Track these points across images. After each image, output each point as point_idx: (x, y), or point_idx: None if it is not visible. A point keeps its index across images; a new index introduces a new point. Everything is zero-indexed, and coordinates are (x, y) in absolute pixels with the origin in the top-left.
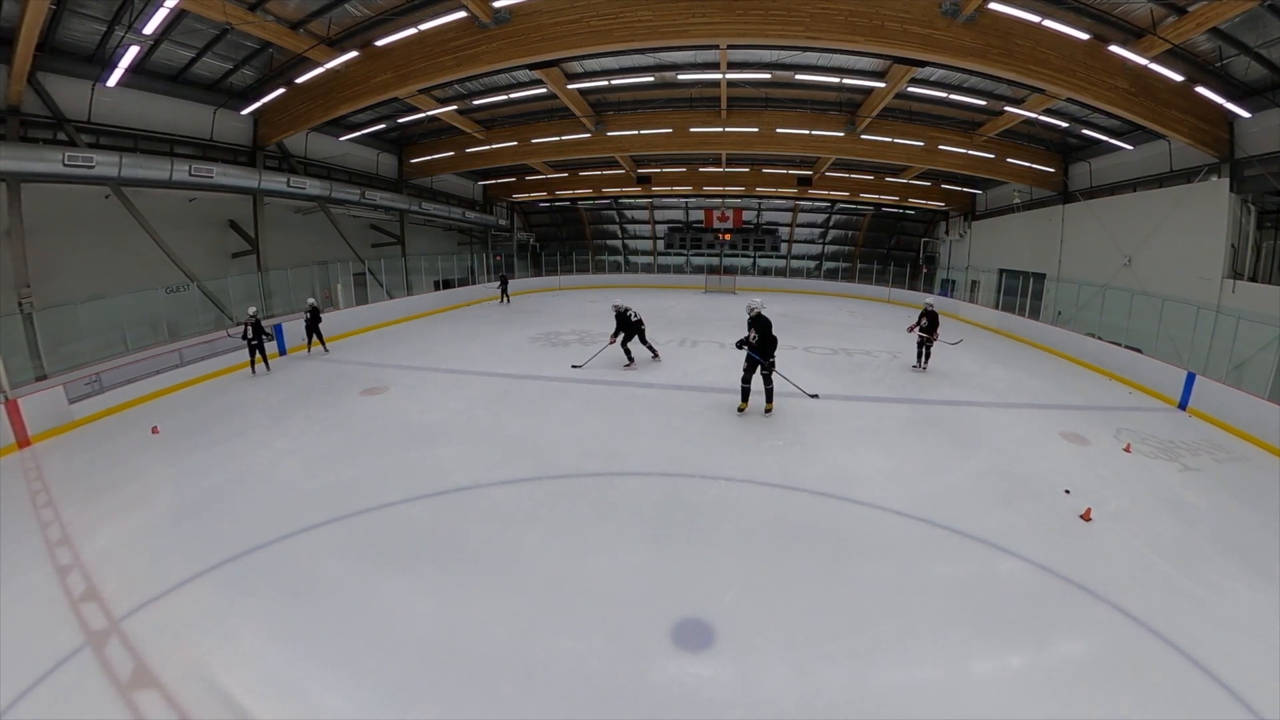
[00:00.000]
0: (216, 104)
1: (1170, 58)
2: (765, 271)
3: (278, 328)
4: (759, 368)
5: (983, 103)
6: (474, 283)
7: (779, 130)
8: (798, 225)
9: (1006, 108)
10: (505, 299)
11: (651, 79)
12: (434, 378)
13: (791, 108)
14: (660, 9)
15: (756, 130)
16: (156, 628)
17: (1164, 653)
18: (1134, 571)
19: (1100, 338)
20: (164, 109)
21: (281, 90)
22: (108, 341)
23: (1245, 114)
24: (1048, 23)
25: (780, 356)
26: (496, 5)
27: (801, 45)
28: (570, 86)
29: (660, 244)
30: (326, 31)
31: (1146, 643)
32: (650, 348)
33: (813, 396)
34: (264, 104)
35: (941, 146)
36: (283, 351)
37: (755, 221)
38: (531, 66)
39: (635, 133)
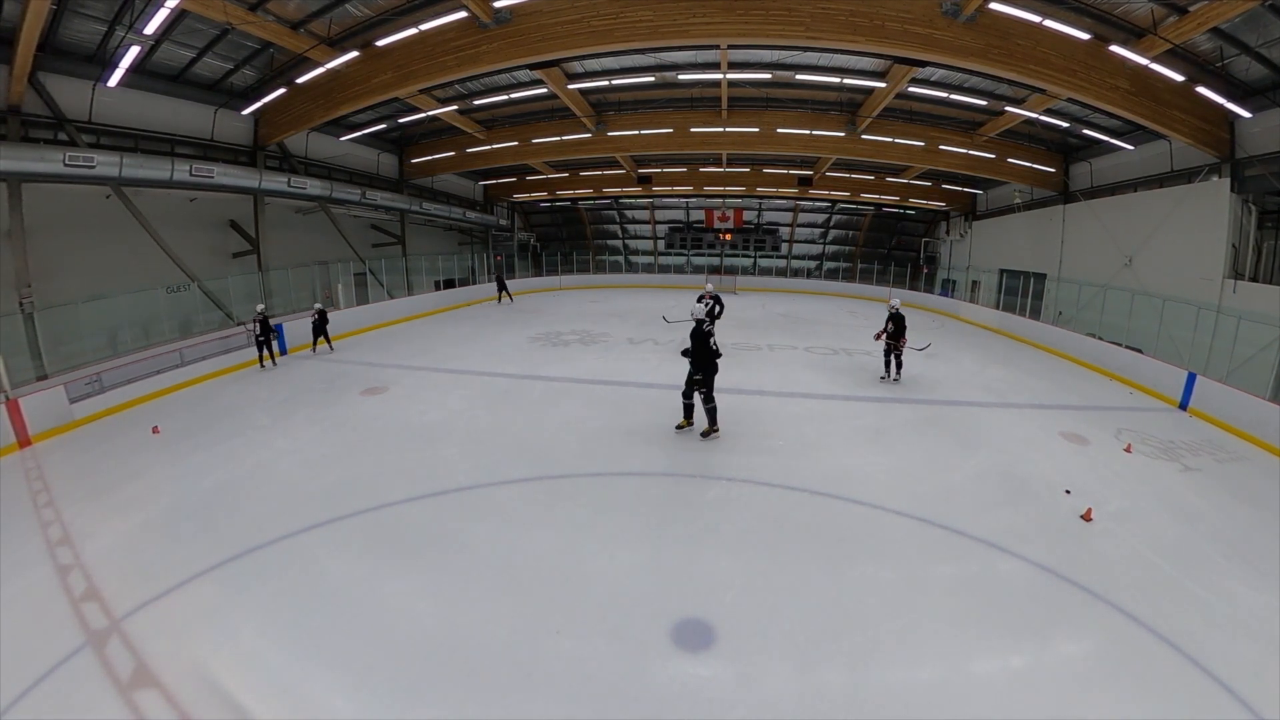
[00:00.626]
0: (217, 104)
1: (1171, 58)
2: (766, 271)
3: (278, 327)
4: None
5: (983, 103)
6: (474, 283)
7: (779, 130)
8: (798, 225)
9: (1007, 108)
10: (506, 297)
11: (652, 79)
12: (434, 378)
13: (792, 108)
14: (661, 9)
15: (757, 130)
16: (157, 627)
17: (1164, 653)
18: (1134, 572)
19: (1101, 338)
20: (165, 109)
21: (282, 90)
22: (115, 340)
23: (1246, 114)
24: (1048, 23)
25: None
26: (497, 5)
27: (802, 45)
28: (571, 86)
29: (661, 244)
30: (327, 31)
31: (1147, 643)
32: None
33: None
34: (265, 104)
35: (942, 146)
36: (283, 351)
37: (756, 221)
38: (532, 66)
39: (636, 133)
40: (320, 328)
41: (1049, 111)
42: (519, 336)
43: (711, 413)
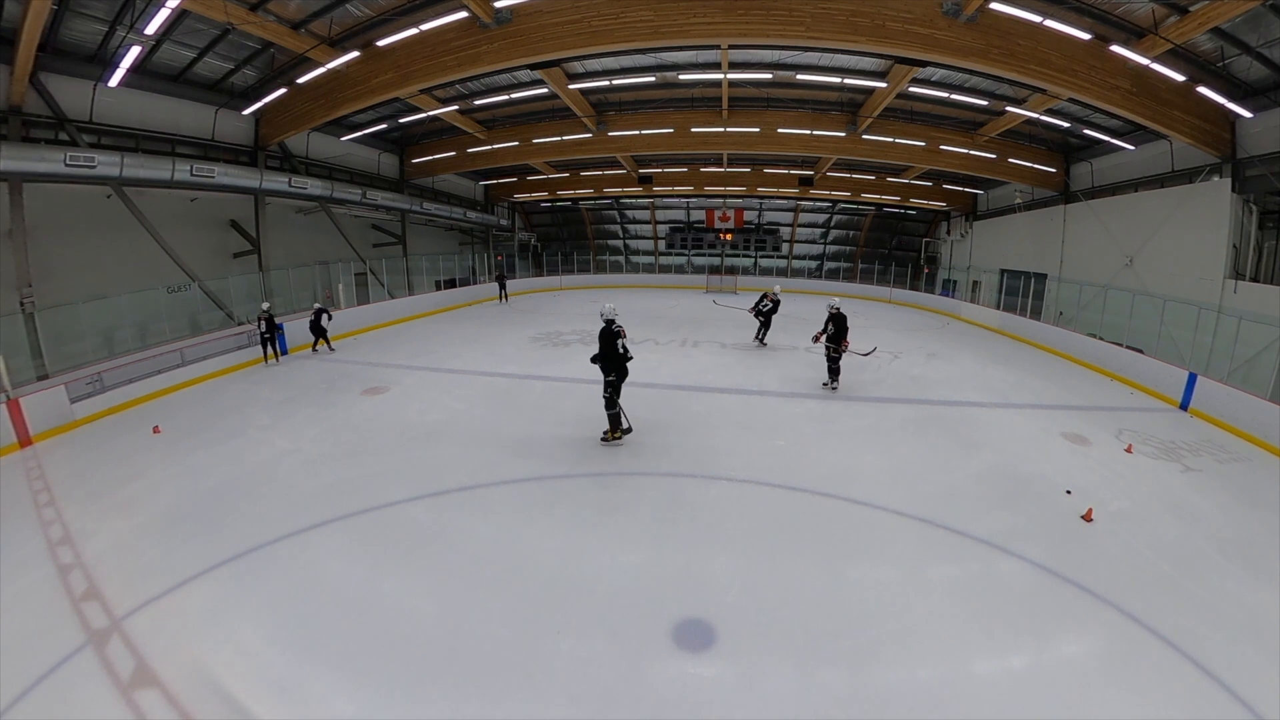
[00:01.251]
0: (218, 104)
1: (1172, 58)
2: (767, 272)
3: (279, 326)
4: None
5: (984, 103)
6: (475, 283)
7: (780, 130)
8: (799, 225)
9: (1008, 108)
10: (504, 298)
11: (653, 79)
12: (435, 377)
13: (793, 108)
14: (661, 9)
15: (758, 130)
16: (157, 627)
17: (1165, 653)
18: (1135, 572)
19: (1102, 338)
20: (165, 109)
21: (283, 90)
22: (112, 340)
23: (1247, 114)
24: (1049, 23)
25: (781, 356)
26: (498, 5)
27: (803, 45)
28: (572, 86)
29: (662, 244)
30: (328, 32)
31: (1147, 643)
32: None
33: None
34: (265, 104)
35: (943, 146)
36: (284, 351)
37: (757, 221)
38: (533, 66)
39: (637, 133)
40: (319, 328)
41: (1050, 111)
42: (520, 336)
43: (613, 419)
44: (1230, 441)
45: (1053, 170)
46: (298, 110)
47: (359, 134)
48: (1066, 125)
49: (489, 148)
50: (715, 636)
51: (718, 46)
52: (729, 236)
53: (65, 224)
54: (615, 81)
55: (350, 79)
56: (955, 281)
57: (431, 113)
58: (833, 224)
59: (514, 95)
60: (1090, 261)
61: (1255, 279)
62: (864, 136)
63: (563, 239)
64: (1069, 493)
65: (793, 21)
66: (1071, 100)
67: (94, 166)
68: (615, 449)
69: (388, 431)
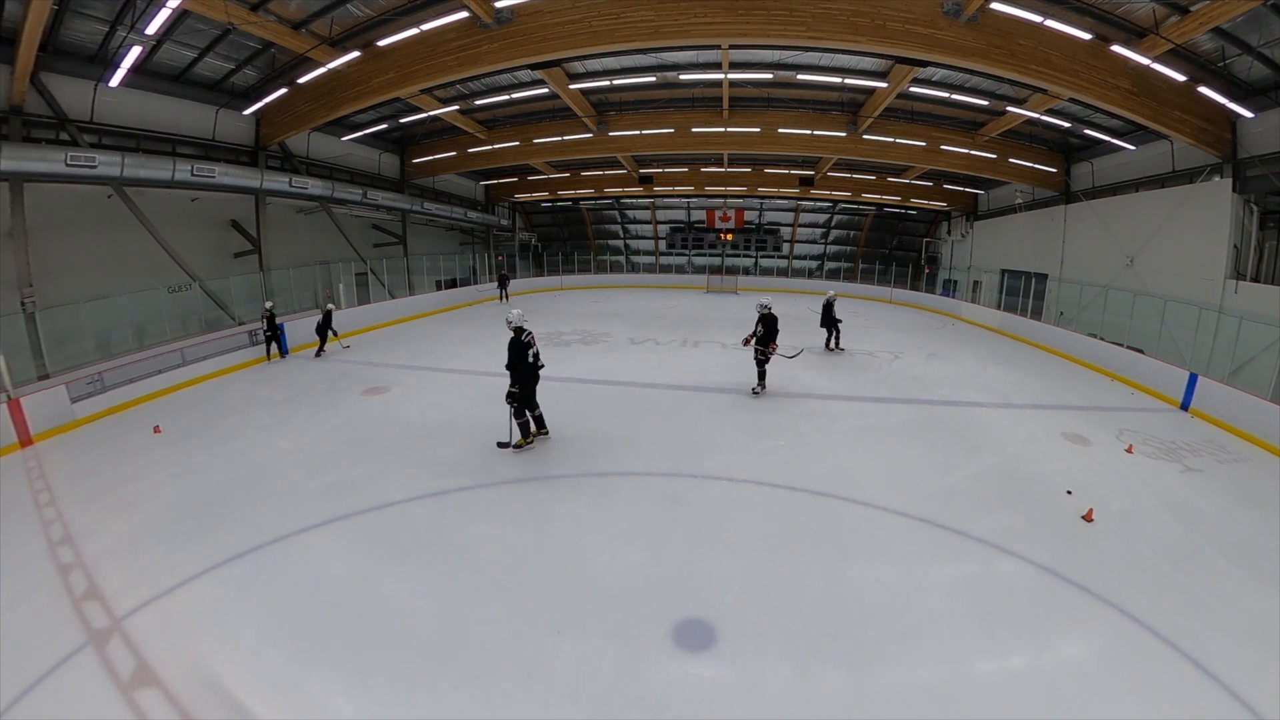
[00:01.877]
0: (219, 104)
1: (1173, 58)
2: (767, 271)
3: (280, 326)
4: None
5: (985, 103)
6: (476, 282)
7: (781, 130)
8: (800, 225)
9: (1009, 108)
10: (505, 297)
11: (653, 79)
12: (436, 377)
13: (793, 108)
14: (662, 9)
15: (758, 130)
16: (158, 627)
17: (1165, 653)
18: (1136, 572)
19: (1102, 338)
20: (166, 109)
21: (283, 90)
22: (111, 340)
23: (1248, 114)
24: (1050, 23)
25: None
26: (498, 5)
27: (803, 45)
28: (572, 86)
29: (662, 244)
30: (328, 32)
31: (1148, 643)
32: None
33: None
34: (266, 104)
35: (944, 147)
36: (284, 351)
37: (757, 221)
38: (533, 66)
39: (637, 133)
40: (325, 328)
41: (1050, 111)
42: None
43: (523, 426)
44: (1231, 442)
45: (1053, 170)
46: (298, 110)
47: (360, 134)
48: (1067, 125)
49: (489, 148)
50: (715, 636)
51: (718, 46)
52: (729, 236)
53: (66, 224)
54: (616, 81)
55: (351, 79)
56: (956, 281)
57: (432, 113)
58: (833, 224)
59: (514, 95)
60: (1091, 262)
61: (1256, 279)
62: (864, 136)
63: (563, 239)
64: (1069, 493)
65: (793, 21)
66: (1072, 100)
67: (95, 166)
68: (615, 449)
69: (388, 431)
